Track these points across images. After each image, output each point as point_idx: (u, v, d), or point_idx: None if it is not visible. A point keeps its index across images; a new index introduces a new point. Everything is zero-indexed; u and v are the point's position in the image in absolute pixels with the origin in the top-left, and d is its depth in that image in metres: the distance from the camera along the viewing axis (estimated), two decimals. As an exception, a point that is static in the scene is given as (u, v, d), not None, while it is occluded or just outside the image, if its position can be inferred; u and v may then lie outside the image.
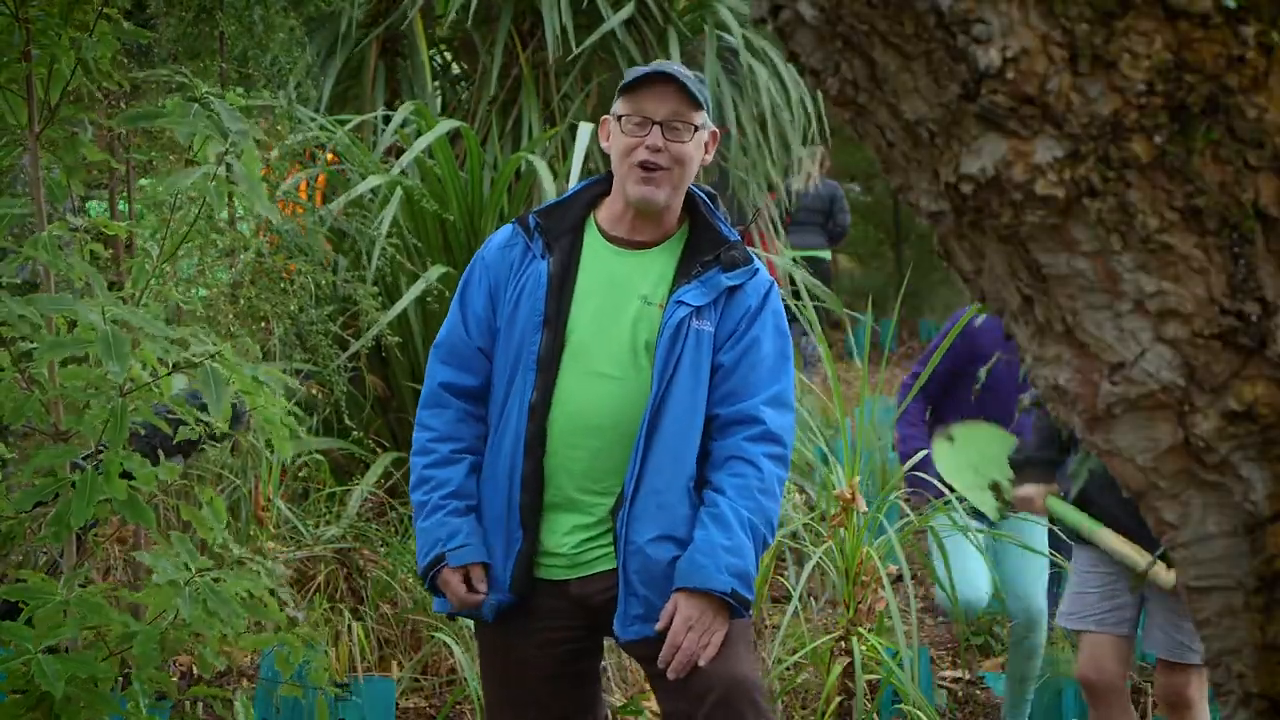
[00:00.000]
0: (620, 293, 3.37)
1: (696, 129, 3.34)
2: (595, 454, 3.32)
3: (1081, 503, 4.37)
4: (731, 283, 3.36)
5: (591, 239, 3.42)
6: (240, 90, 4.49)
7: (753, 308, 3.37)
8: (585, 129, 6.27)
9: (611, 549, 3.33)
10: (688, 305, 3.32)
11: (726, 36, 7.63)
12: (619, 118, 3.35)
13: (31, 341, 3.03)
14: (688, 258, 3.39)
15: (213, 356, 2.97)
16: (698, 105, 3.33)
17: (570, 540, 3.34)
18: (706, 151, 3.41)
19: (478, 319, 3.41)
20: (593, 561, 3.35)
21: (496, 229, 5.96)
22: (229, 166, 3.11)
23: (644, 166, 3.31)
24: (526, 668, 3.40)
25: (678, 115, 3.31)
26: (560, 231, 3.40)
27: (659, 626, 3.27)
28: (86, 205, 5.13)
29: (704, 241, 3.39)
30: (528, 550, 3.33)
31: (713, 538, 3.25)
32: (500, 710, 3.48)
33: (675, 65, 3.40)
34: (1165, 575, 4.16)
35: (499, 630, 3.39)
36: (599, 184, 3.49)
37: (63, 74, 3.24)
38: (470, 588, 3.34)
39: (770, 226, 8.27)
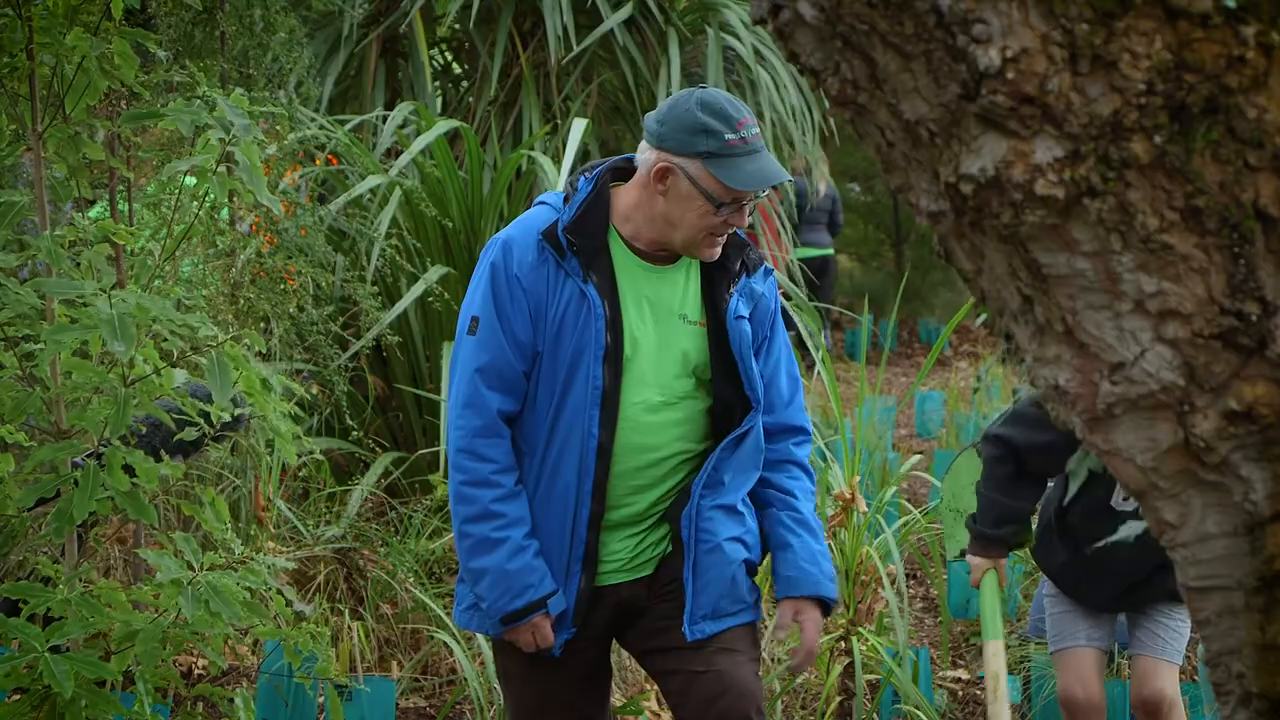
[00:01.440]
0: (663, 314, 3.30)
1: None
2: (658, 481, 3.33)
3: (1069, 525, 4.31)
4: (760, 287, 3.37)
5: (620, 255, 3.29)
6: (241, 91, 4.49)
7: (772, 309, 3.42)
8: (579, 125, 6.26)
9: (658, 551, 3.36)
10: (744, 318, 3.31)
11: (730, 39, 7.62)
12: (716, 203, 3.18)
13: (34, 331, 3.03)
14: (710, 267, 3.32)
15: (220, 344, 2.98)
16: None
17: (626, 546, 3.35)
18: None
19: (519, 344, 3.24)
20: (645, 564, 3.37)
21: (496, 229, 5.98)
22: (230, 155, 3.10)
23: (719, 236, 3.25)
24: (556, 675, 3.40)
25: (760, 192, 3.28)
26: (594, 250, 3.25)
27: (781, 635, 3.40)
28: (91, 209, 5.13)
29: (726, 245, 3.32)
30: (586, 584, 3.32)
31: (810, 545, 3.39)
32: (534, 716, 3.48)
33: (761, 138, 3.26)
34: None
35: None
36: (607, 184, 3.31)
37: (66, 75, 3.24)
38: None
39: (781, 225, 8.25)
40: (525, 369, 3.26)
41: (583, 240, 3.24)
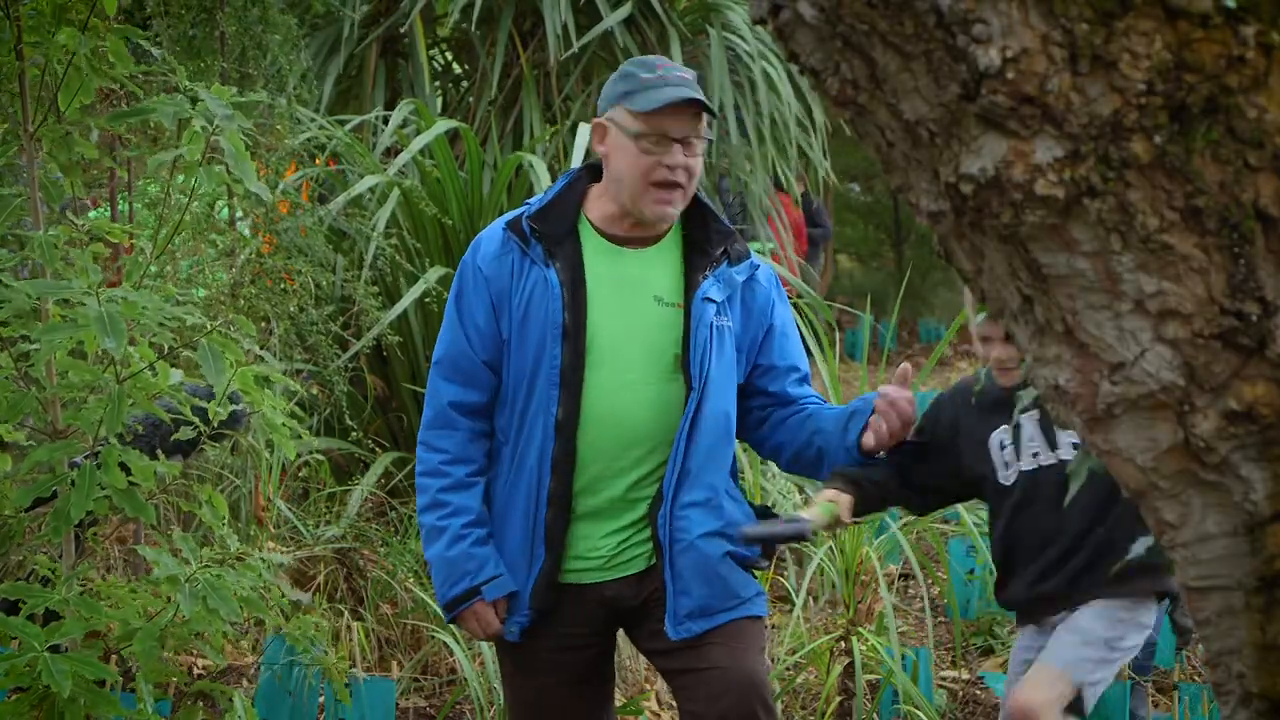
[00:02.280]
0: (632, 294, 3.32)
1: (710, 142, 3.32)
2: (636, 463, 3.32)
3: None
4: (741, 277, 3.37)
5: (590, 240, 3.34)
6: (236, 91, 4.48)
7: (773, 301, 3.43)
8: (585, 129, 6.26)
9: (644, 549, 3.34)
10: (713, 301, 3.31)
11: (732, 38, 7.62)
12: (635, 136, 3.24)
13: (29, 331, 3.03)
14: (693, 251, 3.35)
15: (209, 333, 2.98)
16: (708, 117, 3.29)
17: (608, 543, 3.33)
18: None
19: (480, 332, 3.31)
20: (628, 563, 3.35)
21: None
22: (216, 145, 3.10)
23: (662, 184, 3.25)
24: (554, 674, 3.40)
25: (694, 132, 3.26)
26: (558, 236, 3.31)
27: (897, 388, 3.36)
28: (90, 213, 5.13)
29: (708, 230, 3.36)
30: (550, 567, 3.31)
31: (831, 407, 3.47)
32: (533, 716, 3.47)
33: (688, 77, 3.30)
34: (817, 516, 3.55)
35: (527, 642, 3.37)
36: (582, 179, 3.40)
37: (56, 74, 3.24)
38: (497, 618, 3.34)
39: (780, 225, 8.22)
40: (486, 359, 3.31)
41: (546, 226, 3.31)
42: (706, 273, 3.33)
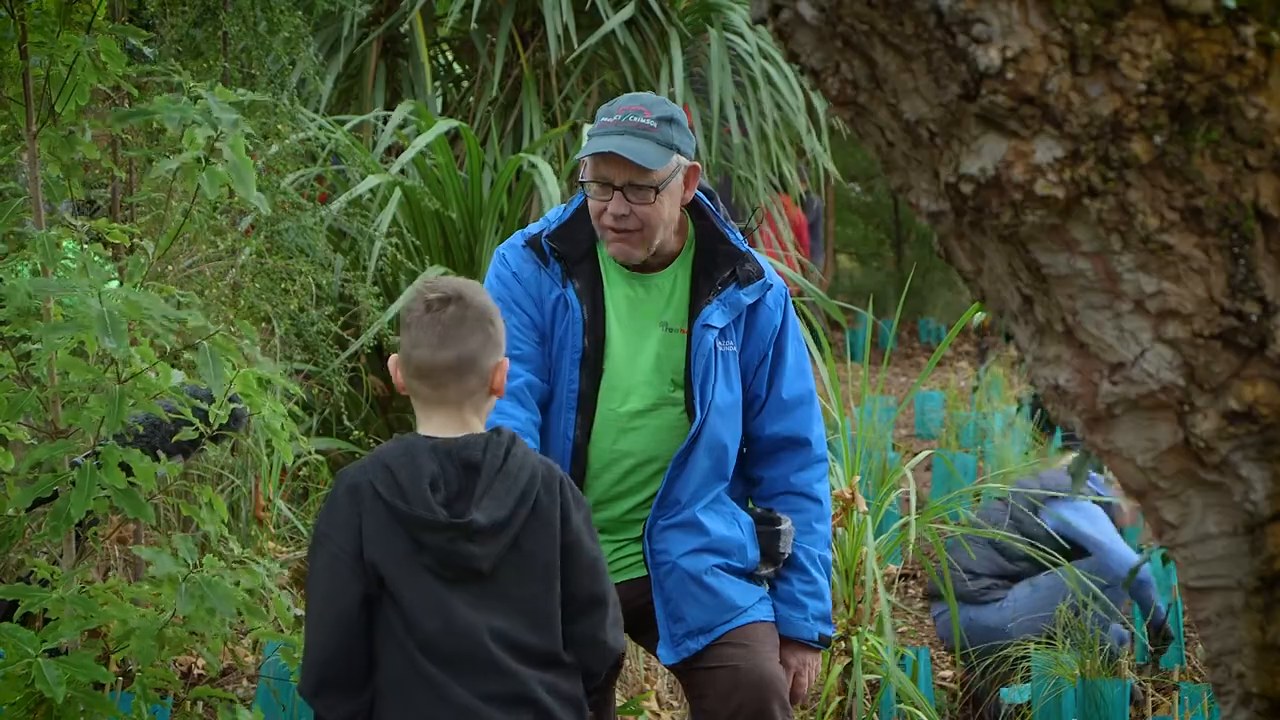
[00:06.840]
0: (641, 320, 3.30)
1: (658, 190, 3.19)
2: (636, 489, 3.31)
3: None
4: (750, 299, 3.31)
5: (606, 262, 3.30)
6: (242, 91, 4.47)
7: (778, 325, 3.36)
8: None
9: (637, 558, 3.34)
10: (714, 328, 3.27)
11: (733, 38, 7.62)
12: (585, 180, 3.22)
13: (30, 330, 3.03)
14: (701, 273, 3.30)
15: (210, 336, 2.98)
16: (655, 168, 3.18)
17: (605, 550, 3.31)
18: (687, 188, 3.27)
19: (531, 322, 3.28)
20: (626, 569, 3.34)
21: (496, 229, 5.97)
22: (218, 151, 3.10)
23: (612, 229, 3.22)
24: None
25: (637, 178, 3.17)
26: (577, 257, 3.27)
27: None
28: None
29: (716, 254, 3.31)
30: None
31: (793, 588, 3.35)
32: None
33: (645, 123, 3.20)
34: None
35: None
36: None
37: (59, 75, 3.24)
38: None
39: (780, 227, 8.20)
40: (537, 345, 3.26)
41: (565, 247, 3.27)
42: (711, 297, 3.28)
